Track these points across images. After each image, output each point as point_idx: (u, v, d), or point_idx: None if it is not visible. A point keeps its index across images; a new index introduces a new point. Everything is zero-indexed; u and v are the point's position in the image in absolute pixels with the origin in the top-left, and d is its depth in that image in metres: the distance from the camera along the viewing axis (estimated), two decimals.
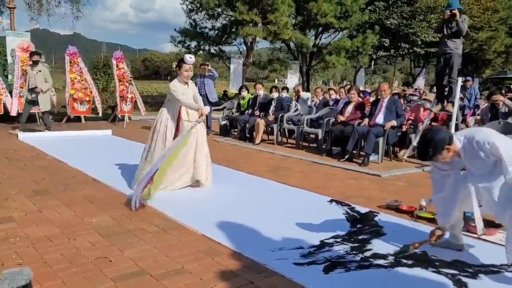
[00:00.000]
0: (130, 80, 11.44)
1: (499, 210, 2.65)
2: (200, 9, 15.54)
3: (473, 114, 8.70)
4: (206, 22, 15.96)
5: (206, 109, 4.67)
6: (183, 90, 4.59)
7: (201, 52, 15.74)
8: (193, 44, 15.82)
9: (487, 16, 21.08)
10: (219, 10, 15.47)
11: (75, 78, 11.03)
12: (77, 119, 11.12)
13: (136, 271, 2.62)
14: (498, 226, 3.52)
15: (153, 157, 4.49)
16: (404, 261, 2.92)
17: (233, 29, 15.15)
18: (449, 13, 6.38)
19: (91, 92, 11.25)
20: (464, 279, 2.67)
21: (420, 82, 21.61)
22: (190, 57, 4.61)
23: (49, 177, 5.05)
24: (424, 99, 7.64)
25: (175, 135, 4.59)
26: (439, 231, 3.02)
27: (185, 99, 4.53)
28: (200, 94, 9.27)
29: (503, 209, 2.59)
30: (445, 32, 6.48)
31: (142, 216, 3.71)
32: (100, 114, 11.54)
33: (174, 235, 3.27)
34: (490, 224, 3.56)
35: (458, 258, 2.99)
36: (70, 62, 11.13)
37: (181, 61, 4.63)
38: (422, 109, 7.36)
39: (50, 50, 52.21)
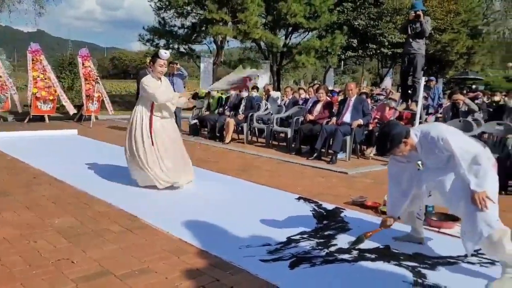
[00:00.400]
0: (97, 78, 11.19)
1: (452, 202, 2.74)
2: (169, 7, 15.36)
3: (437, 113, 8.98)
4: (175, 20, 15.82)
5: (183, 96, 4.70)
6: (156, 85, 4.47)
7: (170, 50, 15.55)
8: (162, 42, 15.65)
9: (450, 18, 21.85)
10: (189, 8, 15.35)
11: (38, 76, 10.70)
12: (41, 118, 10.78)
13: (99, 272, 2.57)
14: (456, 219, 3.65)
15: (139, 154, 4.42)
16: (368, 255, 2.99)
17: (203, 28, 15.06)
18: (414, 14, 6.59)
19: (55, 91, 10.93)
20: (424, 271, 2.76)
21: (387, 82, 22.13)
22: (165, 53, 4.52)
23: (8, 178, 4.88)
24: (390, 99, 7.85)
25: (150, 133, 4.48)
26: (389, 221, 3.10)
27: (154, 89, 4.41)
28: None
29: (456, 201, 2.68)
30: (410, 33, 6.68)
31: (107, 216, 3.64)
32: (71, 113, 11.21)
33: (139, 235, 3.22)
34: (448, 218, 3.70)
35: (419, 251, 3.08)
36: (33, 60, 10.78)
37: (155, 56, 4.52)
38: (387, 108, 7.55)
39: (12, 47, 50.35)
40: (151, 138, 4.42)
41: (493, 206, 2.55)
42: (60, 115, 11.82)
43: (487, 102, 11.44)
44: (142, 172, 4.47)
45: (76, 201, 4.05)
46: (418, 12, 6.52)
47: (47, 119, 10.83)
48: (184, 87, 9.44)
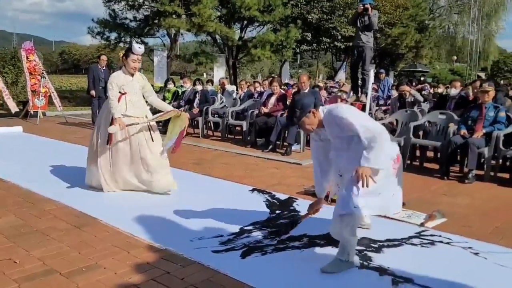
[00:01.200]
0: (43, 72, 10.69)
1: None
2: None
3: (386, 104, 9.30)
4: (126, 13, 15.35)
5: (113, 128, 4.00)
6: (125, 82, 4.11)
7: (121, 44, 15.11)
8: (113, 35, 15.16)
9: (399, 12, 22.62)
10: (140, 0, 14.94)
11: None
12: None
13: (43, 271, 2.49)
14: (402, 204, 3.83)
15: (96, 149, 4.16)
16: (317, 241, 3.08)
17: (156, 21, 14.73)
18: (362, 8, 6.77)
19: None
20: (370, 254, 2.89)
21: (341, 75, 22.70)
22: (139, 47, 4.14)
23: None
24: (341, 90, 8.05)
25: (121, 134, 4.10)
26: (316, 204, 3.07)
27: (113, 96, 4.03)
28: None
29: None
30: (358, 26, 6.86)
31: (53, 214, 3.52)
32: (13, 111, 10.67)
33: (87, 232, 3.14)
34: None
35: (365, 235, 3.21)
36: (27, 58, 10.22)
37: (128, 51, 4.15)
38: (339, 99, 7.73)
39: None
40: (110, 139, 4.07)
41: (369, 191, 2.53)
42: (4, 112, 11.22)
43: (432, 93, 12.00)
44: (93, 169, 4.23)
45: (20, 200, 3.88)
46: (366, 6, 6.71)
47: None
48: None
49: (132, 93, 4.17)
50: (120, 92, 4.11)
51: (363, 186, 2.51)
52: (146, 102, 4.41)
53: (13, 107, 10.74)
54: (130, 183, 4.21)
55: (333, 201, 4.06)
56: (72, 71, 59.64)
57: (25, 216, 3.45)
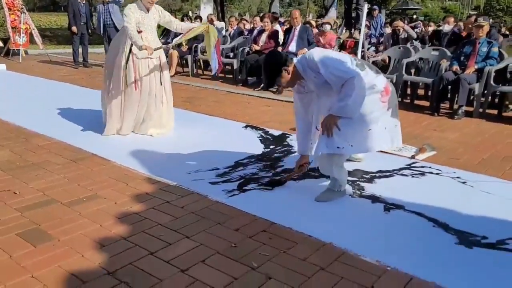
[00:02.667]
0: (22, 8, 10.17)
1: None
2: None
3: (379, 42, 9.16)
4: None
5: (150, 46, 3.76)
6: (141, 18, 3.79)
7: None
8: None
9: None
10: None
11: None
12: None
13: (44, 201, 2.53)
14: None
15: (113, 97, 3.90)
16: (312, 173, 3.15)
17: None
18: None
19: None
20: (362, 184, 2.98)
21: (332, 14, 22.00)
22: None
23: None
24: (323, 23, 7.79)
25: (135, 74, 3.84)
26: (302, 161, 2.98)
27: (132, 28, 3.68)
28: (107, 23, 8.65)
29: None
30: None
31: (47, 148, 3.51)
32: None
33: (84, 165, 3.16)
34: None
35: (358, 167, 3.29)
36: None
37: None
38: (328, 34, 7.51)
39: None
40: (133, 80, 3.84)
41: (356, 129, 2.56)
42: None
43: (424, 32, 11.80)
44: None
45: (12, 136, 3.85)
46: None
47: None
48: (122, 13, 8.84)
49: (148, 31, 3.87)
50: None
51: (328, 136, 2.51)
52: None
53: None
54: (129, 128, 4.06)
55: None
56: (51, 9, 56.79)
57: (19, 150, 3.44)
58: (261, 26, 7.63)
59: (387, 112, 2.73)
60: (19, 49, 10.06)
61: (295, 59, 2.68)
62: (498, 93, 5.73)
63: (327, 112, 2.62)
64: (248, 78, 7.29)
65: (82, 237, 2.13)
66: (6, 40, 10.76)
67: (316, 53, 2.59)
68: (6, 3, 10.24)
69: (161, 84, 4.02)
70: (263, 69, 2.75)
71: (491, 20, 7.39)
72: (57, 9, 55.51)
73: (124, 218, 2.34)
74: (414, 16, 20.58)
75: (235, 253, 2.02)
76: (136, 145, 3.70)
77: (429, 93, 6.17)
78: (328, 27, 7.49)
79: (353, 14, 6.74)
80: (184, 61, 8.41)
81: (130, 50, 3.83)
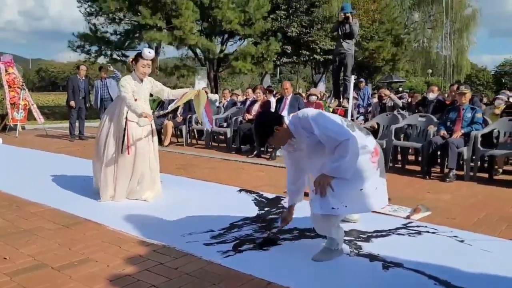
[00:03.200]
0: (22, 85, 10.54)
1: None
2: (100, 13, 14.88)
3: (367, 111, 9.52)
4: (107, 27, 15.33)
5: (149, 113, 3.99)
6: (136, 88, 3.98)
7: (102, 57, 15.06)
8: (94, 49, 15.09)
9: (375, 26, 23.27)
10: (121, 15, 14.98)
11: None
12: None
13: (34, 265, 2.46)
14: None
15: (107, 164, 3.96)
16: (307, 233, 3.12)
17: (137, 34, 14.76)
18: (343, 16, 6.98)
19: None
20: (359, 243, 2.94)
21: (321, 87, 23.03)
22: (149, 52, 4.03)
23: None
24: (309, 95, 8.14)
25: (127, 140, 3.93)
26: (289, 214, 3.02)
27: (130, 97, 3.86)
28: (104, 98, 8.93)
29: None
30: (340, 34, 7.06)
31: (39, 215, 3.47)
32: None
33: (76, 230, 3.11)
34: None
35: (354, 227, 3.27)
36: (6, 71, 10.11)
37: (138, 56, 4.04)
38: (314, 104, 7.80)
39: None
40: (127, 145, 3.93)
41: (349, 189, 2.57)
42: None
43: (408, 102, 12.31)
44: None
45: (5, 204, 3.81)
46: (347, 14, 6.93)
47: None
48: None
49: (142, 100, 4.05)
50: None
51: (321, 195, 2.52)
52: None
53: None
54: (123, 194, 4.08)
55: None
56: (49, 89, 58.69)
57: (11, 218, 3.39)
58: (254, 97, 7.93)
59: (376, 172, 2.75)
60: (16, 125, 10.24)
61: (286, 119, 2.73)
62: (487, 158, 5.89)
63: (318, 172, 2.63)
64: (242, 146, 7.42)
65: None
66: (3, 116, 10.99)
67: (310, 112, 2.67)
68: (7, 81, 10.63)
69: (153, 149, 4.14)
70: (254, 128, 2.78)
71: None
72: (56, 89, 57.39)
73: (116, 281, 2.27)
74: (400, 89, 21.54)
75: None
76: (129, 209, 3.68)
77: (419, 158, 6.30)
78: (314, 98, 7.81)
79: (341, 86, 7.08)
80: (178, 132, 8.59)
81: (126, 118, 3.96)
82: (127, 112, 3.94)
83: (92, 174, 4.27)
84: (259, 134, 2.74)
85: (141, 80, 4.06)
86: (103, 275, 2.33)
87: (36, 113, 10.93)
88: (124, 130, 3.93)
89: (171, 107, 4.27)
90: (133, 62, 4.05)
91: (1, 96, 11.95)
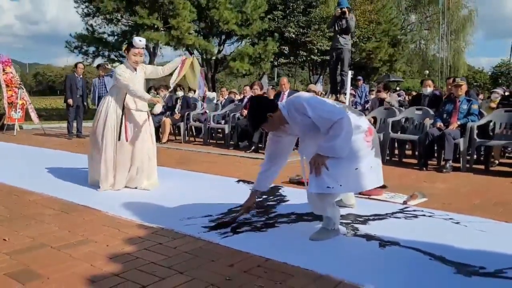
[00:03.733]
0: (20, 84, 10.56)
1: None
2: (97, 13, 14.92)
3: (364, 109, 9.55)
4: (104, 27, 15.37)
5: (159, 107, 4.21)
6: (131, 76, 4.04)
7: (100, 57, 15.08)
8: (91, 49, 15.12)
9: (372, 27, 23.37)
10: (118, 15, 15.02)
11: None
12: None
13: (34, 246, 2.47)
14: (384, 187, 3.95)
15: (106, 153, 3.99)
16: (305, 217, 3.15)
17: (134, 34, 14.78)
18: (340, 11, 7.03)
19: None
20: (356, 225, 2.97)
21: (319, 88, 23.10)
22: (140, 40, 4.09)
23: None
24: (308, 90, 8.21)
25: (125, 127, 4.03)
26: (250, 200, 3.06)
27: (132, 85, 3.96)
28: (102, 95, 8.95)
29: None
30: (336, 29, 7.11)
31: (39, 203, 3.48)
32: None
33: (76, 216, 3.13)
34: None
35: (351, 212, 3.30)
36: (3, 70, 10.15)
37: (129, 45, 4.11)
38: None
39: None
40: (126, 134, 4.00)
41: (343, 168, 2.61)
42: None
43: (407, 100, 12.39)
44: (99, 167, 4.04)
45: (4, 193, 3.82)
46: (344, 9, 6.97)
47: None
48: None
49: (138, 87, 4.12)
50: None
51: (316, 175, 2.55)
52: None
53: None
54: (122, 183, 4.12)
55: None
56: (47, 93, 58.56)
57: (10, 205, 3.41)
58: (251, 93, 7.96)
59: (371, 152, 2.79)
60: (14, 124, 10.25)
61: (280, 104, 2.75)
62: (483, 151, 5.93)
63: (312, 155, 2.66)
64: (239, 142, 7.44)
65: (72, 275, 2.06)
66: (1, 116, 10.99)
67: (303, 96, 2.73)
68: (5, 80, 10.63)
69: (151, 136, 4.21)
70: (248, 113, 2.81)
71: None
72: (53, 93, 57.25)
73: (116, 258, 2.29)
74: (397, 88, 21.62)
75: (230, 286, 1.97)
76: (128, 197, 3.70)
77: (416, 152, 6.33)
78: (312, 94, 7.85)
79: (339, 82, 7.12)
80: (176, 129, 8.62)
81: (123, 106, 4.03)
82: (124, 100, 3.99)
83: (88, 168, 4.28)
84: (253, 120, 2.77)
85: (135, 69, 4.11)
86: (102, 254, 2.35)
87: (33, 112, 10.94)
88: (121, 117, 3.97)
89: (173, 82, 4.33)
90: (126, 51, 4.13)
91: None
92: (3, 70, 10.70)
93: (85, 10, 15.14)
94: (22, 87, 10.63)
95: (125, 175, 4.06)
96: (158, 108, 4.08)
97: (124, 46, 4.23)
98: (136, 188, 4.08)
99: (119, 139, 3.98)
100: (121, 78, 3.96)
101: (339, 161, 2.60)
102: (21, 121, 10.73)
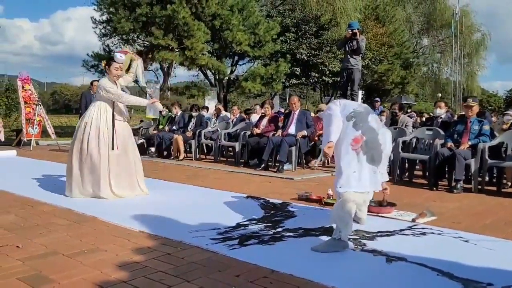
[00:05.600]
0: (38, 100, 10.85)
1: None
2: (114, 34, 15.34)
3: None
4: (120, 47, 15.74)
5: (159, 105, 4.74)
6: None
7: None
8: None
9: (384, 50, 23.52)
10: (134, 36, 15.41)
11: None
12: None
13: (46, 253, 2.54)
14: (393, 204, 3.95)
15: (92, 159, 4.22)
16: (312, 232, 3.17)
17: (149, 55, 15.13)
18: (350, 32, 7.13)
19: None
20: (363, 241, 2.97)
21: None
22: (120, 56, 4.45)
23: None
24: (318, 110, 8.28)
25: (113, 136, 4.31)
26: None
27: (126, 95, 4.37)
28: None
29: None
30: (347, 50, 7.21)
31: (51, 213, 3.56)
32: (2, 139, 10.72)
33: (87, 226, 3.19)
34: (388, 204, 3.99)
35: (359, 228, 3.30)
36: (22, 87, 10.57)
37: (111, 59, 4.47)
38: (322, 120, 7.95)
39: None
40: (113, 142, 4.27)
41: (342, 170, 3.03)
42: None
43: (419, 122, 12.39)
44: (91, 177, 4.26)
45: (19, 204, 3.92)
46: (354, 31, 7.08)
47: None
48: (130, 106, 9.40)
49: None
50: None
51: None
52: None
53: (1, 136, 10.85)
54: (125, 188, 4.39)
55: (326, 204, 4.20)
56: (63, 111, 59.70)
57: (24, 215, 3.49)
58: (262, 112, 8.06)
59: (356, 157, 3.05)
60: (31, 140, 10.48)
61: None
62: (496, 173, 5.88)
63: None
64: (249, 160, 7.49)
65: (82, 281, 2.11)
66: (19, 132, 11.26)
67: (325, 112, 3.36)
68: (23, 97, 10.94)
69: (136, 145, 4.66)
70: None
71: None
72: (69, 111, 58.28)
73: (125, 266, 2.33)
74: (409, 110, 21.59)
75: None
76: (138, 209, 3.75)
77: (427, 173, 6.30)
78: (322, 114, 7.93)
79: (349, 97, 7.17)
80: (188, 146, 8.72)
81: (113, 117, 4.33)
82: (112, 112, 4.33)
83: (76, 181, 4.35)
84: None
85: (115, 82, 4.42)
86: (112, 262, 2.39)
87: (50, 128, 11.22)
88: (112, 128, 4.27)
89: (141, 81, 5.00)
90: (106, 66, 4.43)
91: (17, 114, 12.29)
92: (22, 87, 11.03)
93: (103, 31, 15.57)
94: (40, 103, 10.92)
95: (126, 180, 4.36)
96: (160, 106, 4.70)
97: (104, 62, 4.58)
98: (137, 195, 4.39)
99: (112, 149, 4.25)
100: (112, 90, 4.28)
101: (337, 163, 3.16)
102: (37, 137, 10.98)
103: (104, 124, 4.29)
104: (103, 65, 4.57)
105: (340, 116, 3.16)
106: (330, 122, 3.15)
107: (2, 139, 10.76)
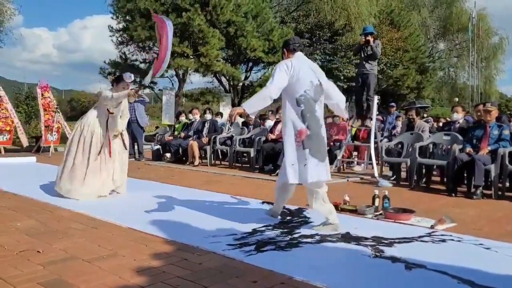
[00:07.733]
0: (56, 108, 11.06)
1: None
2: (131, 42, 15.56)
3: (391, 134, 9.46)
4: (136, 55, 15.99)
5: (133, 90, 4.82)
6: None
7: (132, 83, 15.60)
8: None
9: (399, 55, 23.32)
10: (150, 43, 15.61)
11: None
12: None
13: (66, 258, 2.57)
14: (412, 211, 3.90)
15: (74, 162, 4.57)
16: (329, 238, 3.14)
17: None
18: (364, 40, 7.09)
19: (12, 122, 10.69)
20: (382, 248, 2.94)
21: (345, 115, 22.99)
22: (130, 76, 4.66)
23: None
24: (334, 116, 8.28)
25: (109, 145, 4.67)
26: None
27: (112, 93, 4.56)
28: (131, 120, 9.26)
29: None
30: (362, 55, 7.17)
31: (70, 218, 3.62)
32: (25, 146, 10.95)
33: (104, 231, 3.23)
34: (404, 211, 3.95)
35: (377, 234, 3.26)
36: (42, 95, 10.94)
37: (119, 78, 4.71)
38: (339, 123, 7.98)
39: None
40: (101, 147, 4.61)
41: (290, 161, 3.33)
42: (17, 147, 11.48)
43: (436, 127, 12.22)
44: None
45: (38, 209, 3.99)
46: (368, 38, 7.03)
47: (2, 150, 10.48)
48: (147, 113, 9.53)
49: (117, 113, 4.79)
50: (108, 110, 4.67)
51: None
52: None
53: (25, 142, 11.07)
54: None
55: (343, 210, 4.17)
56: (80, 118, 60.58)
57: (44, 220, 3.55)
58: (277, 118, 8.05)
59: (303, 151, 3.26)
60: (49, 146, 10.67)
61: None
62: None
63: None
64: (264, 166, 7.49)
65: (101, 286, 2.14)
66: (38, 138, 11.49)
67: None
68: (43, 105, 11.17)
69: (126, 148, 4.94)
70: None
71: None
72: None
73: (143, 271, 2.35)
74: (425, 115, 21.32)
75: None
76: (156, 214, 3.79)
77: (445, 179, 6.20)
78: (337, 119, 7.92)
79: (364, 102, 7.13)
80: (203, 152, 8.77)
81: (107, 127, 4.61)
82: (107, 122, 4.65)
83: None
84: None
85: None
86: (130, 267, 2.42)
87: (69, 134, 11.39)
88: (107, 137, 4.65)
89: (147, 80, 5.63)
90: (114, 83, 4.71)
91: (36, 121, 12.55)
92: (42, 94, 11.28)
93: (119, 39, 15.81)
94: (58, 111, 11.12)
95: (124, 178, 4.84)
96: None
97: (111, 78, 4.73)
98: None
99: (110, 156, 4.57)
100: (108, 95, 4.53)
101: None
102: (56, 143, 11.18)
103: (99, 132, 4.63)
104: (110, 80, 4.79)
105: (278, 90, 3.25)
106: (262, 95, 3.29)
107: (24, 145, 11.00)
